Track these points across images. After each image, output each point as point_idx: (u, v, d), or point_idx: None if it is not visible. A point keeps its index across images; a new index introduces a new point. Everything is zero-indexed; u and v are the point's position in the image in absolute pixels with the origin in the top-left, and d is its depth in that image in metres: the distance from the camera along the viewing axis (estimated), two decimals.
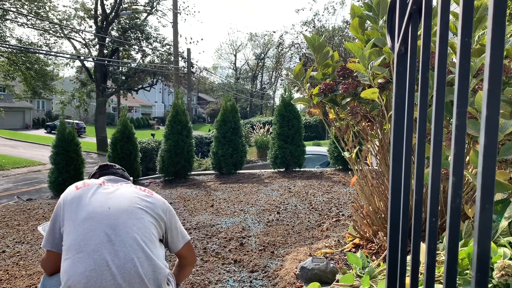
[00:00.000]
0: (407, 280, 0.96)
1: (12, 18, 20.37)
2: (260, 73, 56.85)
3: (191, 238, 4.09)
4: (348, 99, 2.80)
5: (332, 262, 2.97)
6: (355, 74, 2.78)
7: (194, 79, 29.94)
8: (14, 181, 14.34)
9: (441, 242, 2.09)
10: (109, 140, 9.14)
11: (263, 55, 54.26)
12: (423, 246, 0.92)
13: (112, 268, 1.48)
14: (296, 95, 13.67)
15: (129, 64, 24.89)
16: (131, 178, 2.04)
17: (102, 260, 1.48)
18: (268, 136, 14.15)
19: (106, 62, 22.16)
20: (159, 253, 1.62)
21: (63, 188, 8.08)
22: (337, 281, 2.45)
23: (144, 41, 24.48)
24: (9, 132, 30.93)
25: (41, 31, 21.46)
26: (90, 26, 23.89)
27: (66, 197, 1.70)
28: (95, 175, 1.95)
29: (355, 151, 3.08)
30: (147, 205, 1.70)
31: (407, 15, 0.93)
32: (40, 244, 4.45)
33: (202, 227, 4.54)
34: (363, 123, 2.92)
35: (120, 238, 1.54)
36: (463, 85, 0.60)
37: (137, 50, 24.88)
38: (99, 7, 22.81)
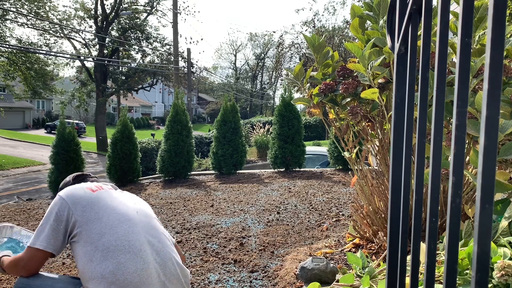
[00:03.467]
0: (407, 280, 0.96)
1: (12, 18, 20.38)
2: (260, 73, 56.86)
3: (191, 238, 4.09)
4: (348, 99, 2.80)
5: (332, 262, 2.97)
6: (355, 74, 2.78)
7: (194, 79, 29.94)
8: (14, 181, 14.34)
9: (441, 242, 2.09)
10: (109, 140, 9.14)
11: (263, 55, 54.28)
12: (423, 246, 0.92)
13: (156, 266, 1.61)
14: (296, 95, 13.67)
15: (129, 64, 24.90)
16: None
17: (149, 259, 1.60)
18: (268, 136, 14.15)
19: (106, 62, 22.16)
20: (179, 255, 1.81)
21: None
22: (337, 281, 2.45)
23: (144, 41, 24.48)
24: (9, 132, 30.93)
25: (41, 31, 21.46)
26: (90, 26, 23.91)
27: (76, 199, 1.65)
28: (68, 184, 1.90)
29: (355, 151, 3.08)
30: (150, 211, 1.90)
31: (407, 15, 0.93)
32: None
33: (202, 227, 4.54)
34: (363, 123, 2.92)
35: (156, 239, 1.68)
36: (463, 85, 0.60)
37: (137, 50, 24.88)
38: (99, 7, 22.81)
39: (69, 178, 1.98)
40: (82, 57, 23.17)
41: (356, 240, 3.26)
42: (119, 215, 1.65)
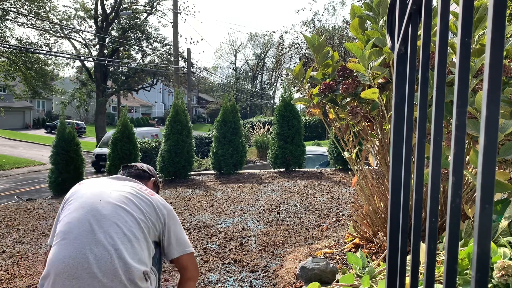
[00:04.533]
0: (407, 280, 0.96)
1: (12, 18, 20.38)
2: (260, 73, 56.87)
3: (191, 238, 4.09)
4: (348, 99, 2.80)
5: (332, 262, 2.97)
6: (355, 74, 2.78)
7: (194, 79, 29.94)
8: (14, 181, 14.34)
9: (441, 242, 2.09)
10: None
11: (263, 55, 54.28)
12: (423, 246, 0.92)
13: (89, 257, 1.51)
14: (296, 95, 13.67)
15: (129, 64, 24.90)
16: (152, 178, 2.05)
17: (81, 248, 1.53)
18: (268, 136, 14.15)
19: (106, 62, 22.16)
20: (139, 250, 1.62)
21: (63, 188, 8.11)
22: (337, 281, 2.45)
23: (144, 41, 24.48)
24: (9, 132, 30.93)
25: (41, 31, 21.47)
26: (90, 26, 23.91)
27: (68, 194, 1.79)
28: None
29: (355, 151, 3.08)
30: (142, 203, 1.71)
31: (407, 15, 0.93)
32: (40, 244, 4.45)
33: (202, 227, 4.54)
34: (363, 123, 2.92)
35: (103, 229, 1.58)
36: (463, 85, 0.60)
37: (137, 50, 24.89)
38: (99, 7, 22.82)
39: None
40: (82, 57, 23.18)
41: (356, 240, 3.26)
42: (78, 203, 1.67)
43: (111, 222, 1.60)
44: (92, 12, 23.15)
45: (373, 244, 3.04)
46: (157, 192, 2.04)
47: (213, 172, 9.09)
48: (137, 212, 1.67)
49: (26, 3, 20.15)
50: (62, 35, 22.73)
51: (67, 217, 1.63)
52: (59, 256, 1.53)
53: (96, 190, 1.73)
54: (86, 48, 24.15)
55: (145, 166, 2.07)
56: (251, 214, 5.08)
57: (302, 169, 8.77)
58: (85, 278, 1.49)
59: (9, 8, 19.47)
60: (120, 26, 23.77)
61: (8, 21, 20.27)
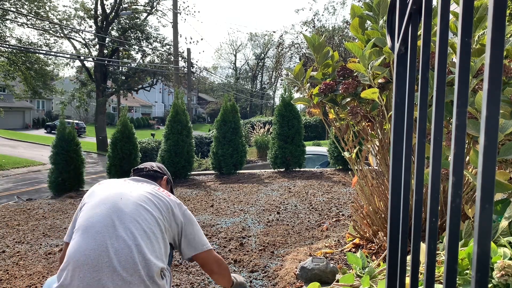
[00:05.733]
0: (407, 280, 0.96)
1: (12, 18, 20.37)
2: (260, 73, 56.87)
3: None
4: (348, 99, 2.80)
5: (332, 262, 2.97)
6: (355, 74, 2.78)
7: (194, 79, 29.94)
8: (14, 181, 14.34)
9: (441, 242, 2.09)
10: (109, 140, 9.14)
11: (263, 55, 54.29)
12: (423, 246, 0.92)
13: (110, 251, 1.54)
14: (296, 95, 13.66)
15: (129, 64, 24.89)
16: (167, 175, 2.11)
17: (103, 242, 1.56)
18: (268, 136, 14.15)
19: (106, 62, 22.15)
20: (157, 247, 1.66)
21: (63, 188, 8.11)
22: (337, 281, 2.45)
23: (144, 41, 24.46)
24: (9, 132, 30.93)
25: (41, 31, 21.45)
26: (90, 26, 23.89)
27: (88, 192, 1.85)
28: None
29: (355, 151, 3.08)
30: (160, 203, 1.77)
31: (407, 15, 0.93)
32: (40, 244, 4.45)
33: (202, 227, 4.54)
34: (363, 123, 2.92)
35: (124, 225, 1.62)
36: (463, 85, 0.60)
37: (137, 50, 24.87)
38: (99, 7, 22.81)
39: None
40: (82, 57, 23.16)
41: (356, 240, 3.26)
42: (100, 199, 1.71)
43: (132, 219, 1.64)
44: (92, 12, 23.13)
45: (373, 244, 3.04)
46: (171, 188, 2.13)
47: (213, 172, 9.09)
48: (156, 211, 1.73)
49: (26, 3, 20.14)
50: (62, 35, 22.72)
51: (88, 213, 1.67)
52: (80, 249, 1.55)
53: (117, 189, 1.78)
54: (86, 48, 24.14)
55: (155, 165, 2.12)
56: (251, 214, 5.08)
57: (302, 169, 8.77)
58: (105, 271, 1.52)
59: (9, 8, 19.46)
60: (120, 26, 23.76)
61: (8, 21, 20.26)
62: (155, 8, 23.89)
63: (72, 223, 1.79)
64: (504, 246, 1.83)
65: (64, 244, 1.79)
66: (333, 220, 4.59)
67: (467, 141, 2.17)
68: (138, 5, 23.94)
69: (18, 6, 20.14)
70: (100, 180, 2.09)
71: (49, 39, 22.29)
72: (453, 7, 2.50)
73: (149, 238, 1.63)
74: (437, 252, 1.11)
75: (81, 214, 1.72)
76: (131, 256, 1.55)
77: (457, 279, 1.63)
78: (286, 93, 8.90)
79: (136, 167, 2.11)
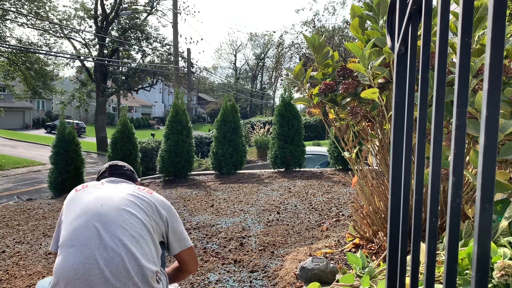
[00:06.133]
0: (407, 280, 0.96)
1: (12, 18, 20.37)
2: (260, 73, 56.87)
3: (191, 238, 4.09)
4: (348, 99, 2.80)
5: (332, 262, 2.97)
6: (355, 74, 2.78)
7: (194, 79, 29.94)
8: (14, 181, 14.34)
9: (441, 242, 2.09)
10: (109, 140, 9.14)
11: (263, 55, 54.29)
12: (423, 246, 0.92)
13: (100, 262, 1.49)
14: (296, 95, 13.66)
15: (129, 64, 24.89)
16: (139, 179, 2.06)
17: (90, 254, 1.51)
18: (268, 136, 14.15)
19: (106, 62, 22.16)
20: (148, 250, 1.61)
21: (63, 188, 8.11)
22: (337, 281, 2.45)
23: (144, 41, 24.47)
24: (9, 132, 30.93)
25: (41, 31, 21.46)
26: (90, 26, 23.90)
27: (67, 200, 1.77)
28: (103, 174, 1.98)
29: (355, 151, 3.08)
30: (143, 203, 1.71)
31: (407, 15, 0.93)
32: (40, 244, 4.45)
33: (202, 227, 4.54)
34: (363, 123, 2.92)
35: (109, 233, 1.56)
36: (463, 85, 0.60)
37: (137, 50, 24.87)
38: (99, 7, 22.81)
39: (105, 166, 2.03)
40: (82, 57, 23.17)
41: (356, 240, 3.26)
42: (80, 210, 1.64)
43: (117, 225, 1.58)
44: (92, 12, 23.14)
45: (373, 244, 3.04)
46: None
47: (213, 172, 9.09)
48: (140, 213, 1.67)
49: (26, 3, 20.14)
50: (62, 35, 22.72)
51: (72, 225, 1.61)
52: (68, 264, 1.50)
53: (96, 195, 1.71)
54: (86, 48, 24.14)
55: (128, 166, 2.05)
56: (251, 214, 5.08)
57: (302, 169, 8.77)
58: (98, 284, 1.47)
59: (9, 8, 19.46)
60: (120, 26, 23.77)
61: (8, 21, 20.26)
62: (155, 8, 23.90)
63: (56, 232, 1.73)
64: (504, 246, 1.83)
65: (53, 253, 1.74)
66: (333, 220, 4.59)
67: (467, 141, 2.17)
68: (138, 5, 23.94)
69: (18, 6, 20.15)
70: None
71: (49, 39, 22.31)
72: (453, 7, 2.50)
73: (138, 242, 1.58)
74: (437, 252, 1.11)
75: (63, 226, 1.65)
76: (122, 264, 1.50)
77: (457, 279, 1.63)
78: (286, 93, 8.90)
79: (113, 164, 2.02)
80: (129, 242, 1.56)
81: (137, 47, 24.51)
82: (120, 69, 24.91)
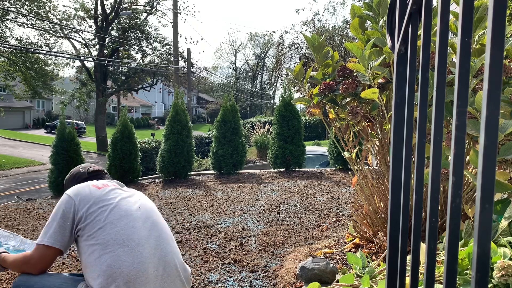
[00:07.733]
0: (407, 280, 0.96)
1: (12, 18, 20.38)
2: (260, 73, 56.88)
3: (191, 238, 4.09)
4: (348, 99, 2.80)
5: (332, 262, 2.97)
6: (355, 74, 2.78)
7: (194, 79, 29.93)
8: (14, 181, 14.34)
9: (441, 242, 2.09)
10: (109, 140, 9.14)
11: (263, 55, 54.31)
12: (423, 246, 0.92)
13: (154, 261, 1.63)
14: (296, 95, 13.67)
15: (129, 64, 24.89)
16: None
17: (146, 253, 1.62)
18: (268, 136, 14.15)
19: (106, 62, 22.16)
20: (178, 250, 1.84)
21: (62, 188, 8.08)
22: (337, 281, 2.46)
23: (144, 41, 24.48)
24: (9, 132, 30.92)
25: (41, 31, 21.46)
26: (90, 26, 23.91)
27: (82, 196, 1.71)
28: (83, 179, 1.98)
29: (355, 151, 3.08)
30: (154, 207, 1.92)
31: (407, 15, 0.93)
32: None
33: (202, 227, 4.54)
34: (363, 123, 2.92)
35: (157, 233, 1.70)
36: (463, 85, 0.61)
37: (137, 50, 24.88)
38: (99, 7, 22.81)
39: (83, 170, 2.03)
40: (82, 57, 23.18)
41: (356, 240, 3.26)
42: (121, 211, 1.70)
43: (160, 227, 1.75)
44: (92, 12, 23.14)
45: (373, 244, 3.04)
46: None
47: (213, 172, 9.09)
48: (161, 216, 1.88)
49: (26, 3, 20.14)
50: (62, 35, 22.73)
51: (116, 225, 1.63)
52: (126, 263, 1.57)
53: (126, 198, 1.79)
54: (86, 48, 24.15)
55: None
56: (251, 214, 5.08)
57: (302, 169, 8.77)
58: (152, 280, 1.61)
59: (9, 8, 19.46)
60: (120, 26, 23.77)
61: (8, 21, 20.26)
62: (155, 8, 23.90)
63: (60, 225, 1.65)
64: (504, 246, 1.83)
65: (46, 249, 1.64)
66: (333, 220, 4.59)
67: (467, 141, 2.17)
68: (138, 5, 23.95)
69: (18, 6, 20.14)
70: None
71: (49, 39, 22.31)
72: (453, 7, 2.50)
73: (174, 242, 1.78)
74: (437, 252, 1.11)
75: (93, 225, 1.62)
76: (173, 262, 1.67)
77: (457, 279, 1.63)
78: (286, 93, 8.90)
79: (96, 169, 2.04)
80: (171, 242, 1.76)
81: (137, 47, 24.52)
82: (120, 69, 24.92)
